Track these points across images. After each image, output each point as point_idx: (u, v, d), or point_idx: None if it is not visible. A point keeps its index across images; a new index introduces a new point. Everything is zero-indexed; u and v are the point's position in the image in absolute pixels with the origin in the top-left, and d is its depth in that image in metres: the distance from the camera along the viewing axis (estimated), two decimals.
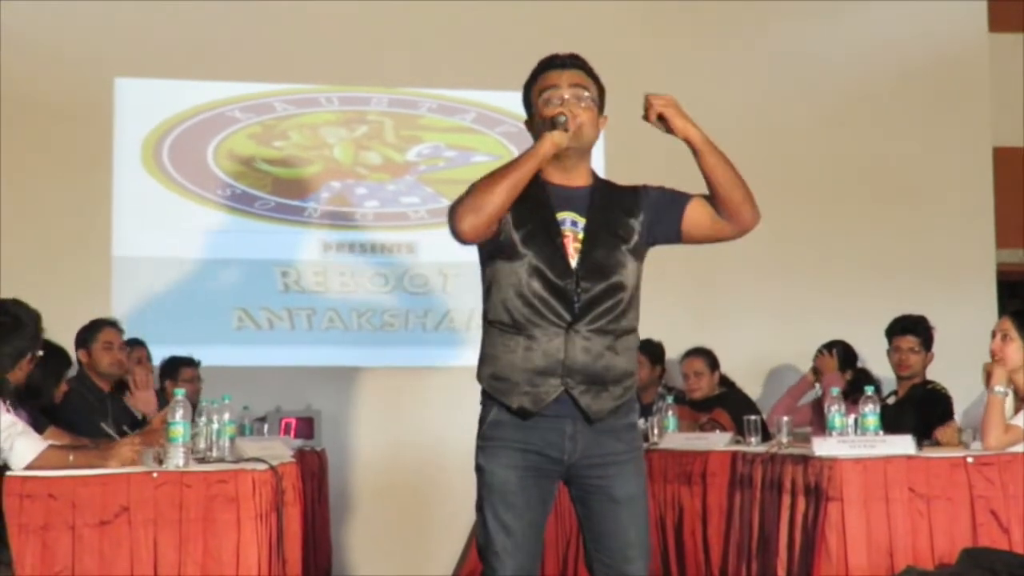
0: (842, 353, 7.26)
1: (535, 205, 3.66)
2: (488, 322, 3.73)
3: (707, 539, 5.80)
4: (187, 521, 3.96)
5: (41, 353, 4.94)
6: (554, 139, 3.59)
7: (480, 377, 3.74)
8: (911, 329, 6.60)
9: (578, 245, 3.66)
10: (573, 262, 3.64)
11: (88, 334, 6.42)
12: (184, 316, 7.95)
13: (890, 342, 6.64)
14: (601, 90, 3.87)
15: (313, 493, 6.68)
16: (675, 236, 3.79)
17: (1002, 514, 4.48)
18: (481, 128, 8.25)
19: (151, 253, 8.01)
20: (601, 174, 3.88)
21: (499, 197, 3.53)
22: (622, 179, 3.85)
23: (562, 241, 3.65)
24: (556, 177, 3.71)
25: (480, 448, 3.70)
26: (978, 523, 4.45)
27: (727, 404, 7.32)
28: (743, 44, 8.86)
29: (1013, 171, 9.24)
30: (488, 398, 3.71)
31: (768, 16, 8.86)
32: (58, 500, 3.86)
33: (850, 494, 4.39)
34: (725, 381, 7.66)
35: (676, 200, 3.78)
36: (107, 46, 8.08)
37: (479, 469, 3.69)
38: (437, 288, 8.26)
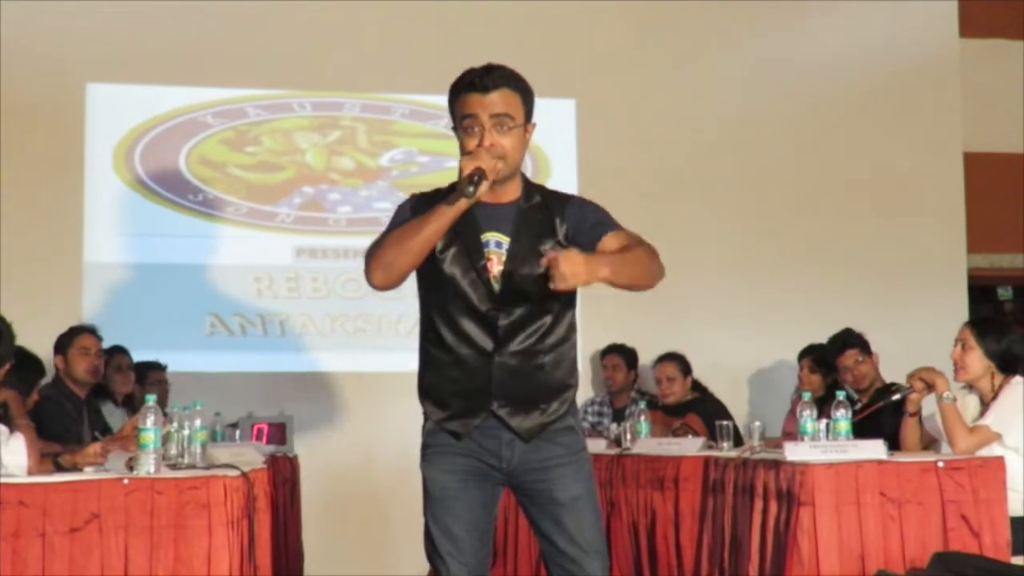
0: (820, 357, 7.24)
1: (462, 227, 3.62)
2: (421, 335, 3.81)
3: (679, 544, 5.81)
4: (158, 528, 3.94)
5: (12, 362, 4.92)
6: (467, 200, 3.51)
7: (418, 389, 3.82)
8: (847, 343, 6.66)
9: (501, 267, 3.64)
10: (497, 285, 3.63)
11: (65, 340, 6.42)
12: (156, 322, 7.93)
13: (835, 367, 6.68)
14: (526, 98, 3.69)
15: (285, 499, 6.66)
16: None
17: (972, 518, 4.49)
18: (454, 134, 8.23)
19: (123, 259, 7.99)
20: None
21: (409, 256, 3.56)
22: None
23: (485, 265, 3.64)
24: (485, 196, 3.58)
25: (422, 458, 3.76)
26: (949, 527, 4.46)
27: (700, 409, 7.34)
28: (716, 52, 8.90)
29: (984, 176, 9.29)
30: (424, 407, 3.80)
31: (740, 24, 8.89)
32: (29, 507, 3.83)
33: (822, 499, 4.40)
34: (698, 386, 7.68)
35: (595, 227, 3.65)
36: (78, 51, 8.06)
37: (423, 478, 3.74)
38: (410, 294, 8.18)
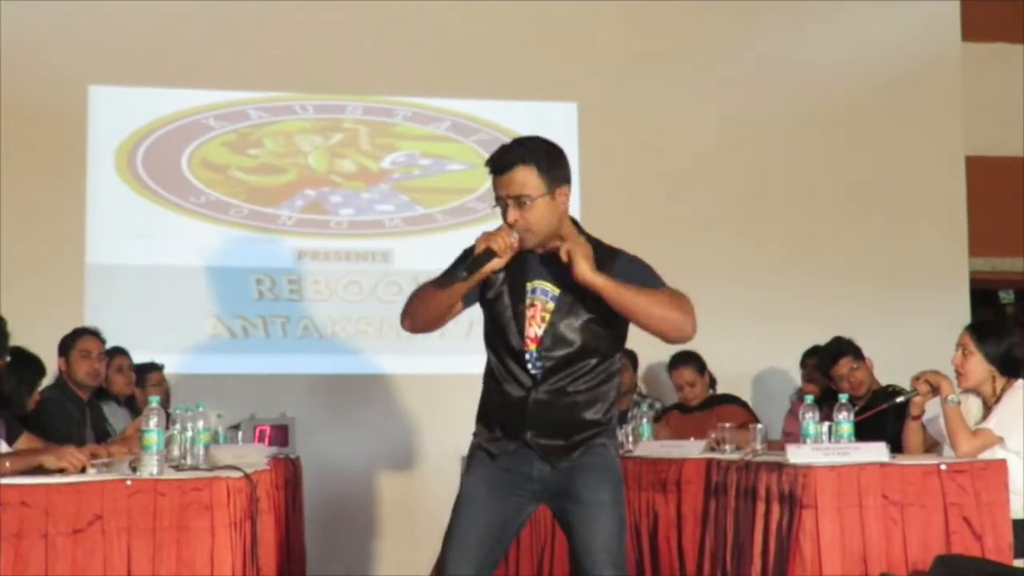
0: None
1: (514, 271, 3.94)
2: (486, 364, 4.10)
3: (682, 546, 5.82)
4: (161, 529, 3.93)
5: (8, 359, 4.92)
6: (483, 272, 3.81)
7: (477, 413, 4.12)
8: (840, 352, 6.63)
9: (546, 315, 3.94)
10: (537, 330, 3.93)
11: (68, 342, 6.43)
12: (158, 324, 7.93)
13: (830, 377, 6.67)
14: (543, 167, 3.87)
15: (287, 501, 6.66)
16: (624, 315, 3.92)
17: (975, 521, 4.49)
18: (456, 136, 8.24)
19: (125, 261, 7.99)
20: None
21: (428, 313, 3.97)
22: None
23: (523, 310, 3.93)
24: (535, 247, 3.90)
25: (465, 467, 4.10)
26: (951, 530, 4.46)
27: (727, 400, 7.32)
28: (717, 54, 8.90)
29: (986, 180, 9.29)
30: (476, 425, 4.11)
31: (741, 27, 8.89)
32: (31, 508, 3.83)
33: (824, 501, 4.39)
34: (712, 383, 7.67)
35: (640, 283, 3.88)
36: (80, 53, 8.06)
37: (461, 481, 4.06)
38: None
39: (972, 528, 4.49)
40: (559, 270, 3.87)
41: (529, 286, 3.95)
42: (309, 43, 8.37)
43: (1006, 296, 10.44)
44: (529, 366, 3.92)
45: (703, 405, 7.42)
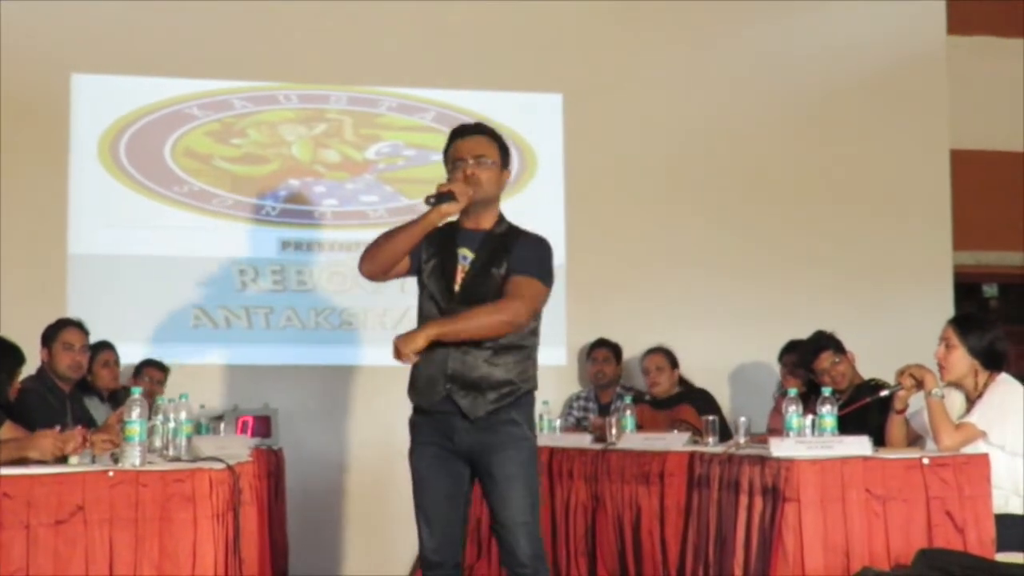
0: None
1: (444, 243, 4.64)
2: None
3: (664, 539, 5.81)
4: (143, 520, 3.93)
5: None
6: (441, 211, 4.49)
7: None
8: (821, 346, 6.61)
9: (463, 276, 4.59)
10: (456, 288, 4.57)
11: (51, 333, 6.40)
12: (141, 314, 7.92)
13: (812, 371, 6.65)
14: (503, 150, 4.71)
15: (270, 492, 6.65)
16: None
17: (957, 515, 4.50)
18: (441, 127, 8.21)
19: (107, 251, 7.96)
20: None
21: (389, 253, 4.56)
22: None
23: (454, 273, 4.59)
24: (466, 222, 4.67)
25: (410, 449, 4.66)
26: (933, 524, 4.47)
27: (691, 400, 7.35)
28: (703, 47, 8.90)
29: (970, 174, 9.31)
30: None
31: (727, 20, 8.89)
32: (13, 499, 3.82)
33: (807, 495, 4.40)
34: (683, 381, 7.69)
35: (518, 264, 4.58)
36: (64, 42, 8.04)
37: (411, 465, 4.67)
38: (395, 287, 8.18)
39: (954, 522, 4.50)
40: (477, 240, 4.62)
41: (458, 252, 4.62)
42: (293, 33, 8.35)
43: (989, 290, 10.46)
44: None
45: (670, 401, 7.46)
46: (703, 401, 7.32)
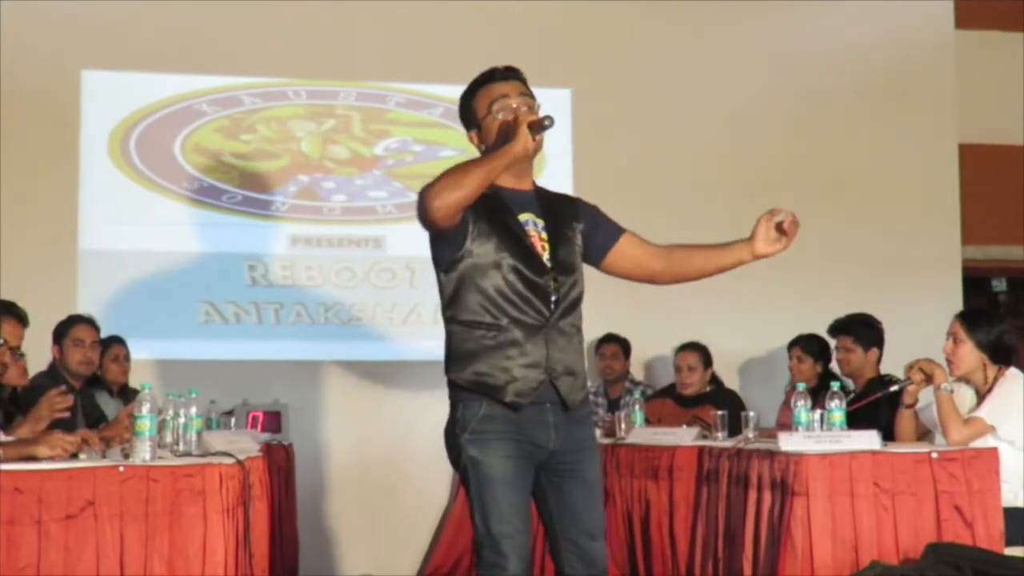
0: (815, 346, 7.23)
1: (494, 209, 3.81)
2: (460, 323, 3.82)
3: (673, 534, 5.82)
4: (153, 515, 3.94)
5: None
6: (531, 141, 3.71)
7: (457, 375, 3.82)
8: (843, 329, 6.65)
9: (544, 244, 3.85)
10: (545, 259, 3.82)
11: (62, 329, 6.42)
12: (151, 309, 7.93)
13: (826, 356, 6.76)
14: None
15: (280, 487, 6.66)
16: (597, 258, 4.03)
17: (966, 509, 4.50)
18: (449, 123, 8.21)
19: (118, 246, 7.98)
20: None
21: (474, 181, 3.62)
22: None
23: (531, 241, 3.82)
24: (507, 182, 3.85)
25: (471, 442, 3.76)
26: (942, 518, 4.47)
27: (717, 401, 7.33)
28: (712, 43, 8.89)
29: (979, 168, 9.30)
30: (469, 394, 3.78)
31: (736, 15, 8.88)
32: (24, 494, 3.83)
33: (815, 489, 4.40)
34: (715, 379, 7.68)
35: (611, 226, 4.04)
36: (74, 38, 8.05)
37: (473, 461, 3.74)
38: (404, 282, 8.26)
39: (963, 516, 4.50)
40: (532, 203, 3.92)
41: (522, 218, 3.86)
42: (302, 29, 8.35)
43: (998, 284, 10.45)
44: (547, 296, 3.81)
45: (695, 400, 7.44)
46: (729, 403, 7.31)
